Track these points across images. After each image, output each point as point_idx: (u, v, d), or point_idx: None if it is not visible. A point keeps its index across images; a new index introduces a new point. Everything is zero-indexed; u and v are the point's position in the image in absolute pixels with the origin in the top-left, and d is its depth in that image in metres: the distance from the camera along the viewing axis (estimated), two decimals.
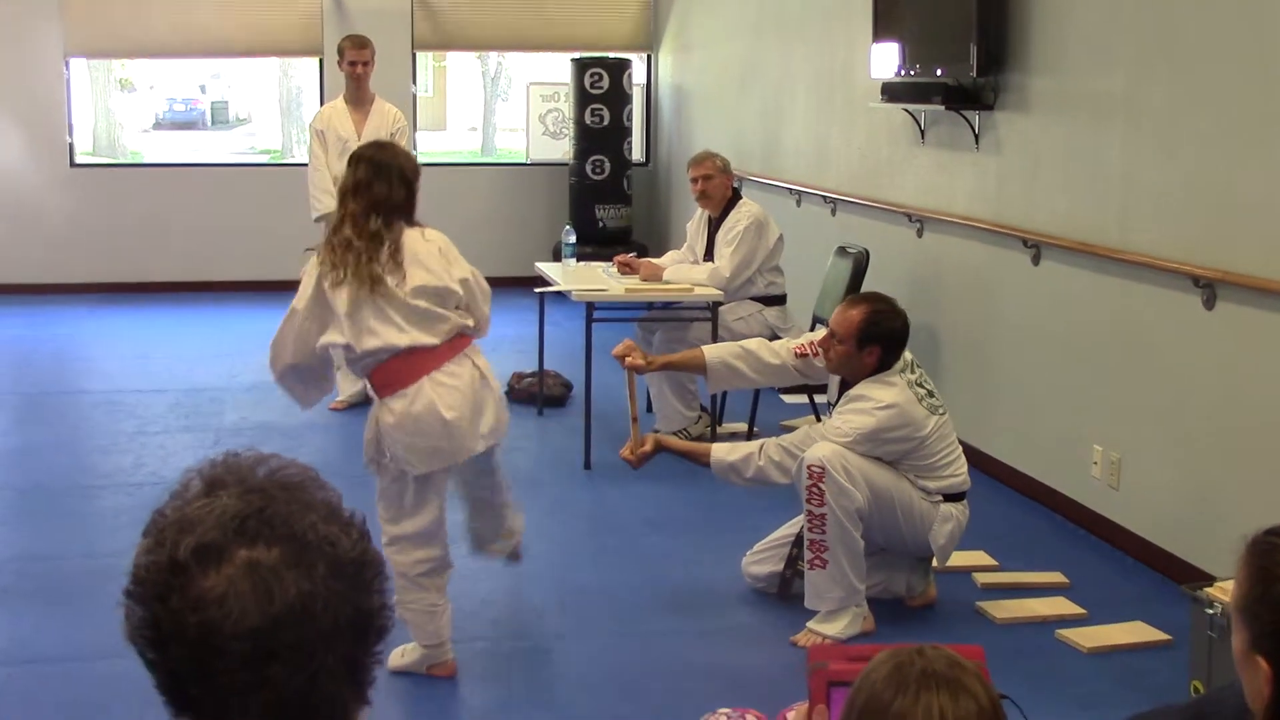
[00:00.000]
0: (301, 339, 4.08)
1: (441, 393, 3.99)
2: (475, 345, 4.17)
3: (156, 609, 1.22)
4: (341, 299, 3.96)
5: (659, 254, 7.64)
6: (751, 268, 6.72)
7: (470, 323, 4.12)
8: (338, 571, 1.24)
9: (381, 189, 4.02)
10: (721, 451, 4.73)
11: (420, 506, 4.11)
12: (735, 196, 6.90)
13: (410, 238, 4.04)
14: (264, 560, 1.21)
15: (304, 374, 4.20)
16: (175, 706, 1.24)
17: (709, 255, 6.86)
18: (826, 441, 4.50)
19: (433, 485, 4.13)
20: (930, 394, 4.60)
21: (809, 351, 4.86)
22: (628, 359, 4.89)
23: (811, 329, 6.45)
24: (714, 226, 6.89)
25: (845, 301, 4.77)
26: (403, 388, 3.99)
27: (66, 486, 6.09)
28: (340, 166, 7.34)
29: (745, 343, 5.12)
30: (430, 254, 4.04)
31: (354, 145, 7.33)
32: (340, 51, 7.48)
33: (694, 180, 6.91)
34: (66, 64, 10.76)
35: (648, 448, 4.76)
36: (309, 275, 4.07)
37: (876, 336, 4.55)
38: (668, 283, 6.79)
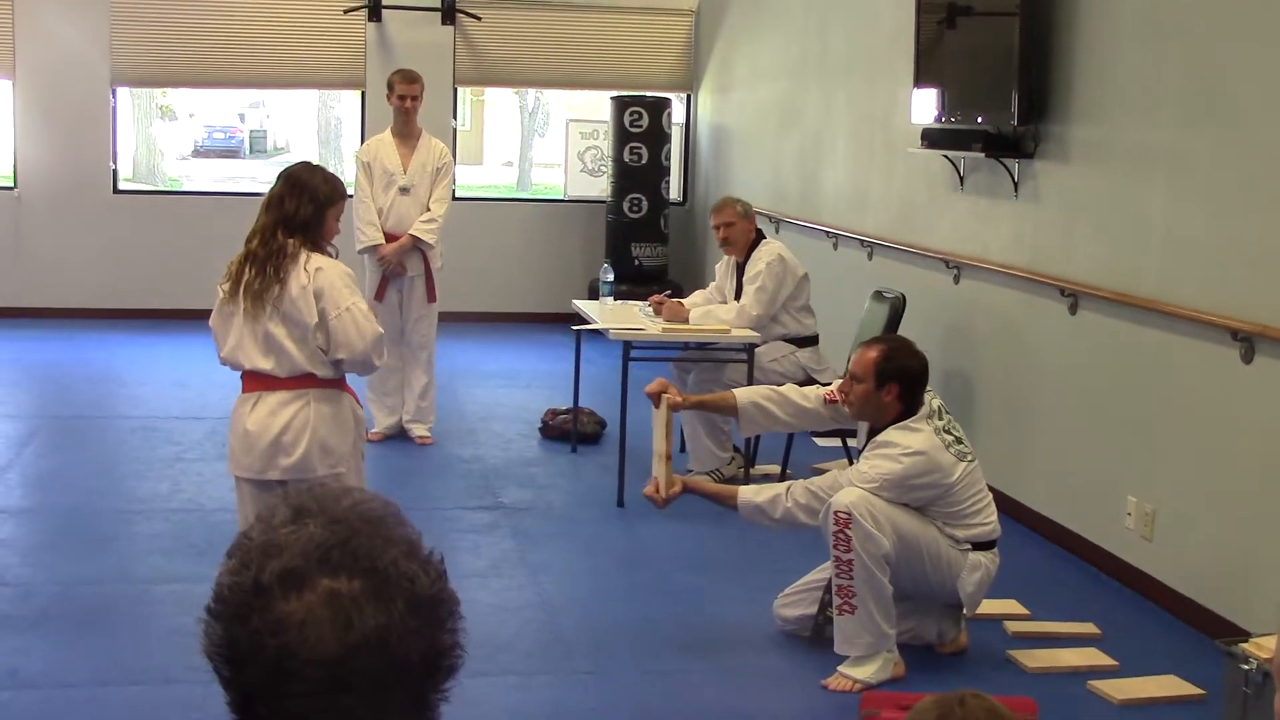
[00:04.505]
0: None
1: (261, 409, 4.24)
2: (328, 393, 4.28)
3: (236, 628, 1.25)
4: (222, 303, 4.26)
5: (694, 292, 7.66)
6: (777, 303, 6.76)
7: (329, 373, 4.26)
8: (415, 608, 1.27)
9: (290, 205, 4.25)
10: (748, 493, 4.73)
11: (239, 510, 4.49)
12: (759, 238, 6.96)
13: (299, 264, 4.19)
14: (345, 591, 1.24)
15: None
16: None
17: (738, 298, 6.90)
18: (853, 487, 4.50)
19: (241, 495, 4.41)
20: (959, 440, 4.59)
21: (838, 398, 4.87)
22: (665, 395, 4.90)
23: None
24: (740, 270, 6.94)
25: (862, 344, 4.78)
26: (246, 392, 4.32)
27: (103, 511, 6.13)
28: (385, 200, 7.46)
29: (778, 387, 5.13)
30: (303, 288, 4.16)
31: (400, 179, 7.44)
32: (390, 86, 7.52)
33: (716, 228, 6.98)
34: (114, 92, 10.90)
35: (676, 489, 4.75)
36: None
37: (893, 373, 4.56)
38: (696, 325, 6.83)
